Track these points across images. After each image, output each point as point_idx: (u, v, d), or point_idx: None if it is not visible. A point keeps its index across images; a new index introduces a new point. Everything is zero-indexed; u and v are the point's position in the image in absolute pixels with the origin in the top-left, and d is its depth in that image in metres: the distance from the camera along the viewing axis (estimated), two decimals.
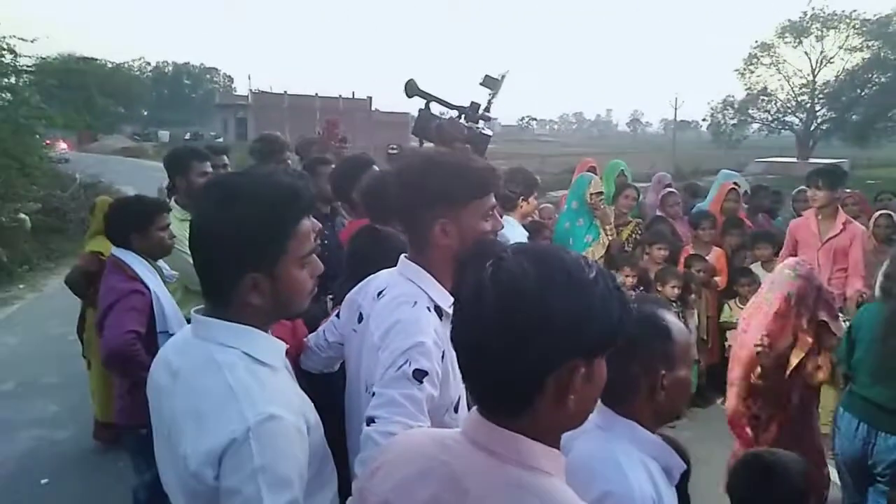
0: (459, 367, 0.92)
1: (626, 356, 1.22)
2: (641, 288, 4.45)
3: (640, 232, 4.93)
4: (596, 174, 5.16)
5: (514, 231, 3.58)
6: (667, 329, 1.26)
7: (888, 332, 2.62)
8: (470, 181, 1.49)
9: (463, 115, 2.72)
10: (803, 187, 5.24)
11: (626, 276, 4.31)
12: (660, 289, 4.38)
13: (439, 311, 1.45)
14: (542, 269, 0.83)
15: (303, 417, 1.17)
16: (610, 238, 4.71)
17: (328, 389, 1.68)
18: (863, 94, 29.86)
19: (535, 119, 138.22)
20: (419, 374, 1.35)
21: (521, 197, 3.77)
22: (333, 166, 3.24)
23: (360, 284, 1.67)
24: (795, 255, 4.37)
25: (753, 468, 1.84)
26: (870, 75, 28.95)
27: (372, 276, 1.64)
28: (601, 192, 4.69)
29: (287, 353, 1.29)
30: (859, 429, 2.69)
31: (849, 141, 30.18)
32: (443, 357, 1.39)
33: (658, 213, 5.22)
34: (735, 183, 5.44)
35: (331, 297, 2.11)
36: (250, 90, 49.18)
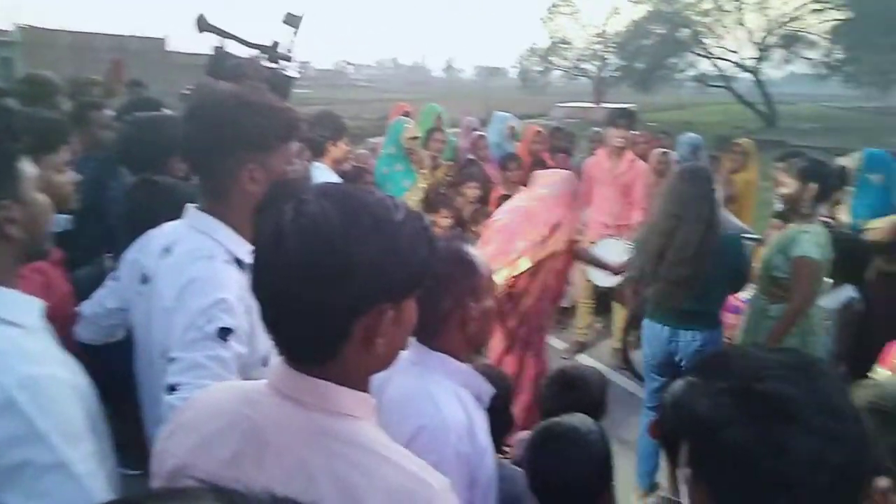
0: (262, 317, 0.86)
1: (436, 292, 1.25)
2: (460, 228, 4.62)
3: (452, 174, 5.07)
4: (411, 119, 5.19)
5: (326, 177, 3.49)
6: (472, 263, 1.31)
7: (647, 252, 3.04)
8: (279, 123, 1.40)
9: (264, 55, 2.54)
10: (598, 129, 5.73)
11: (443, 217, 4.42)
12: (474, 229, 4.57)
13: (240, 263, 1.36)
14: (346, 212, 0.80)
15: (74, 380, 1.04)
16: (427, 182, 4.78)
17: (118, 360, 1.52)
18: (646, 44, 33.02)
19: (352, 64, 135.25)
20: (224, 333, 1.26)
21: (330, 141, 3.66)
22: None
23: (138, 242, 1.50)
24: (591, 192, 4.80)
25: (559, 381, 2.05)
26: (651, 27, 32.02)
27: (152, 231, 1.49)
28: (417, 137, 4.72)
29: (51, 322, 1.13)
30: (664, 332, 3.09)
31: (635, 87, 33.39)
32: (248, 311, 1.31)
33: (469, 156, 5.41)
34: (512, 126, 5.87)
35: (109, 255, 1.90)
36: (16, 25, 42.08)
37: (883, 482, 0.84)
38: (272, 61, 2.56)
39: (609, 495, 1.53)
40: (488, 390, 1.32)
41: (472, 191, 4.75)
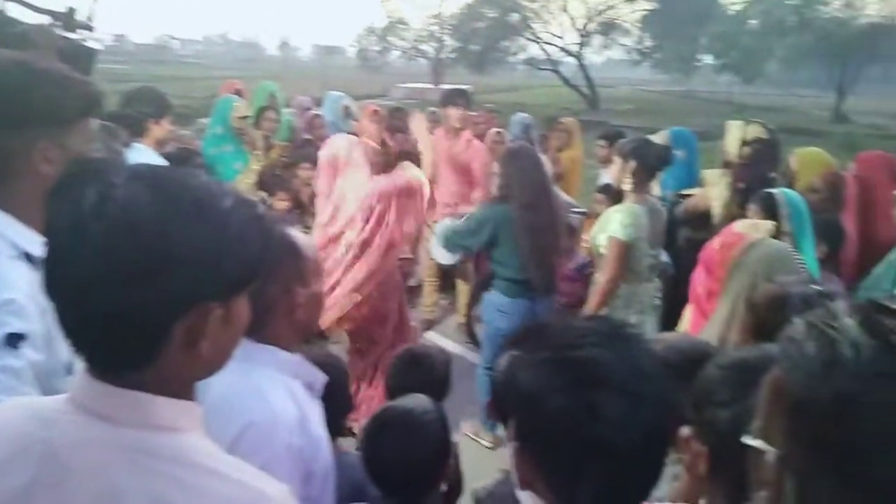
0: (59, 320, 0.74)
1: (261, 281, 1.17)
2: (298, 211, 4.48)
3: (287, 155, 4.89)
4: (243, 97, 4.93)
5: (147, 159, 3.20)
6: (297, 246, 1.24)
7: (519, 230, 3.17)
8: (76, 94, 1.23)
9: (57, 23, 2.25)
10: (434, 109, 5.81)
11: (280, 200, 4.26)
12: (314, 211, 4.45)
13: (30, 258, 1.18)
14: (164, 198, 0.70)
15: None
16: (260, 163, 4.57)
17: None
18: (480, 27, 34.02)
19: (176, 38, 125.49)
20: (13, 339, 1.09)
21: (152, 119, 3.36)
22: None
23: None
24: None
25: (406, 359, 2.06)
26: (483, 10, 33.03)
27: None
28: (247, 116, 4.47)
29: None
30: (519, 305, 3.25)
31: (471, 69, 34.35)
32: (43, 312, 1.15)
33: (305, 136, 5.24)
34: (346, 105, 5.82)
35: None
36: None
37: (685, 430, 0.92)
38: (68, 30, 2.28)
39: (452, 471, 1.55)
40: (321, 378, 1.28)
41: (307, 172, 4.60)
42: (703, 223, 3.46)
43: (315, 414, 1.23)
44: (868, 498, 0.52)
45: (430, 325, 5.15)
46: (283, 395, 1.15)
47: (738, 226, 2.46)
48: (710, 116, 17.44)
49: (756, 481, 0.61)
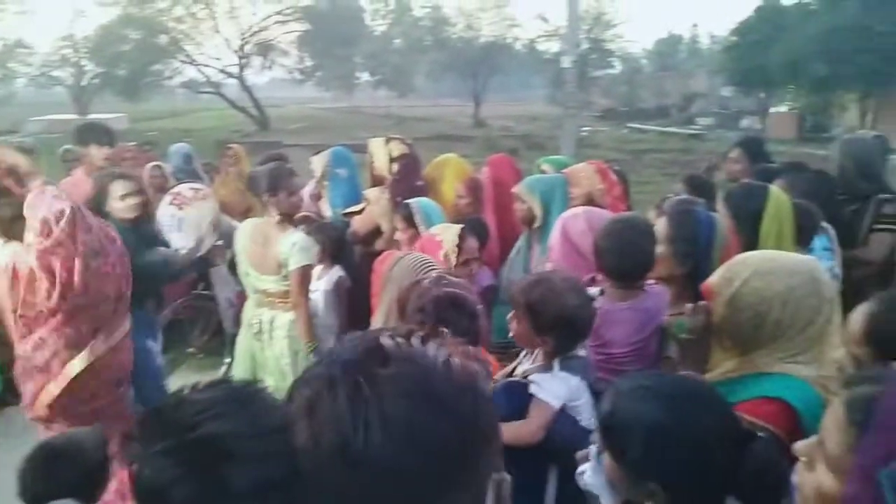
0: None
1: None
2: None
3: None
4: None
5: None
6: None
7: None
8: None
9: None
10: (70, 147, 5.11)
11: None
12: None
13: None
14: None
15: None
16: None
17: None
18: (125, 50, 30.85)
19: None
20: None
21: None
22: None
23: None
24: None
25: (40, 458, 1.64)
26: (126, 32, 30.08)
27: None
28: None
29: None
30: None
31: (121, 95, 31.06)
32: None
33: None
34: None
35: None
36: None
37: None
38: None
39: None
40: None
41: None
42: (373, 239, 3.67)
43: None
44: None
45: None
46: None
47: (433, 230, 2.81)
48: (375, 130, 18.65)
49: None
